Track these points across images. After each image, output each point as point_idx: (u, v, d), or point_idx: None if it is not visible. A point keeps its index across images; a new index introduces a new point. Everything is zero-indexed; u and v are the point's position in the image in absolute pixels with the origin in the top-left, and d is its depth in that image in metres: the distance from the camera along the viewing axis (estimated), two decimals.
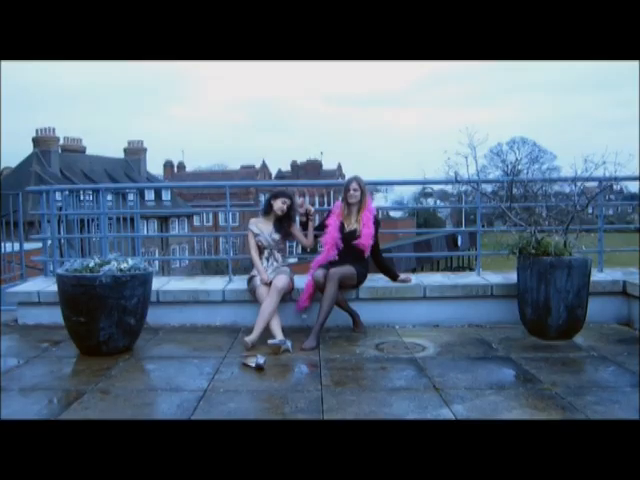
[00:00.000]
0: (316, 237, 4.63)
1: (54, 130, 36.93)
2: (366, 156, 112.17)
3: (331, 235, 4.43)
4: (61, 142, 38.29)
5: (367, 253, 4.45)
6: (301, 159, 56.35)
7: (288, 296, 4.43)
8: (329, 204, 35.69)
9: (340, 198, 4.65)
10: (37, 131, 36.73)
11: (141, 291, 3.90)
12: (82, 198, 5.92)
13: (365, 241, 4.39)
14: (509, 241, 4.43)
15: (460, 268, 31.15)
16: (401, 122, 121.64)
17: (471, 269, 15.16)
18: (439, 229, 44.49)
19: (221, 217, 44.09)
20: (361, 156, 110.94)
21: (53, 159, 36.02)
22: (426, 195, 39.18)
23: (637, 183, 5.47)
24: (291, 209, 4.53)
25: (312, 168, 52.33)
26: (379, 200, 28.46)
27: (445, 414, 2.81)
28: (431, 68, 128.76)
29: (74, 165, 37.93)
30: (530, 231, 4.25)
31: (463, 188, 5.48)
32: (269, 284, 4.24)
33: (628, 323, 4.57)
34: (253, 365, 3.55)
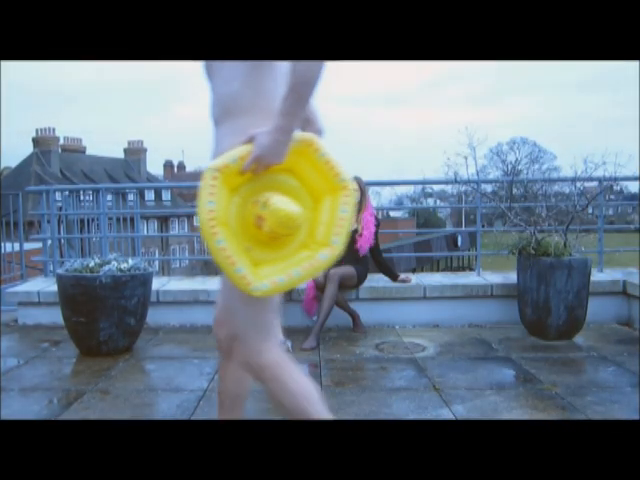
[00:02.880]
0: None
1: (54, 130, 37.00)
2: (367, 156, 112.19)
3: None
4: (61, 142, 38.37)
5: (363, 252, 4.43)
6: None
7: (288, 296, 4.43)
8: None
9: None
10: (37, 131, 36.80)
11: (141, 291, 3.90)
12: (82, 198, 5.93)
13: (364, 243, 4.40)
14: (509, 241, 4.44)
15: (460, 268, 31.12)
16: (402, 122, 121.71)
17: (471, 269, 15.14)
18: (439, 229, 44.46)
19: None
20: (362, 156, 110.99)
21: (53, 159, 36.08)
22: (426, 195, 39.14)
23: (637, 183, 5.47)
24: None
25: None
26: (382, 199, 28.38)
27: (445, 414, 2.81)
28: (433, 68, 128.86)
29: (74, 165, 37.98)
30: (530, 231, 4.25)
31: (463, 188, 5.48)
32: None
33: (628, 323, 4.57)
34: None
